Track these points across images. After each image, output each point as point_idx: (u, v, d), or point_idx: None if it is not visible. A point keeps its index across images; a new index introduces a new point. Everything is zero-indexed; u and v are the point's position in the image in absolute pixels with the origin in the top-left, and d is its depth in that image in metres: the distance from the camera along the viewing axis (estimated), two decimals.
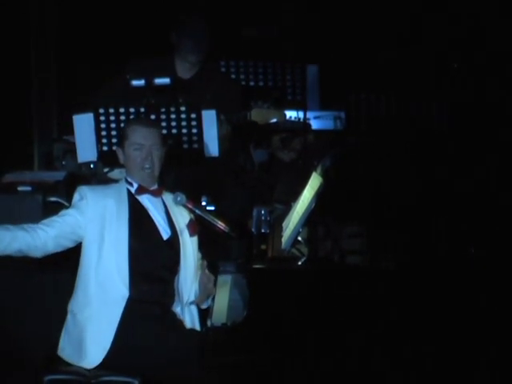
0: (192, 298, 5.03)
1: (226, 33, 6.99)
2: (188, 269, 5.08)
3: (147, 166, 4.99)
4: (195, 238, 5.13)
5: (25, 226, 4.85)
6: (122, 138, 5.11)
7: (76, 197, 4.98)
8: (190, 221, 5.11)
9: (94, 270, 4.88)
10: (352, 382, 5.24)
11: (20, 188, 5.97)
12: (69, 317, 4.94)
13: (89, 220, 4.91)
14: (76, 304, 4.91)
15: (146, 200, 5.04)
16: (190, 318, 5.04)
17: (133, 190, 5.03)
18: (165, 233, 5.06)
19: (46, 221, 4.91)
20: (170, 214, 5.08)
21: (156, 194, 5.07)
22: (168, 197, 5.10)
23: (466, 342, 5.58)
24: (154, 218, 5.03)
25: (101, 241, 4.90)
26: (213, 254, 5.39)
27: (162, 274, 5.00)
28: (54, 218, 4.92)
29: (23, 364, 5.30)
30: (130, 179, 5.05)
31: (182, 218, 5.11)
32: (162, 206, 5.09)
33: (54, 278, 5.67)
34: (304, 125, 7.21)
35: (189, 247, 5.11)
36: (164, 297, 4.99)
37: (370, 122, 7.66)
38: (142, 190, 5.02)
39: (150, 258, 4.98)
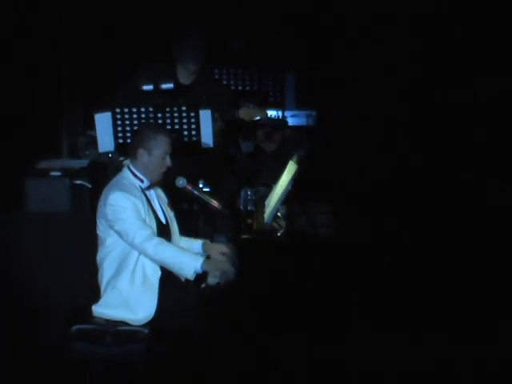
0: None
1: (219, 45, 6.92)
2: (175, 240, 5.06)
3: (165, 170, 4.94)
4: (173, 214, 5.10)
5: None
6: (147, 141, 4.88)
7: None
8: (168, 203, 5.08)
9: (136, 255, 4.81)
10: (322, 333, 5.20)
11: (51, 173, 5.95)
12: (112, 291, 4.81)
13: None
14: (122, 281, 4.79)
15: (150, 193, 4.97)
16: None
17: (143, 185, 4.90)
18: (163, 218, 5.01)
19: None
20: (160, 202, 5.03)
21: (149, 188, 4.97)
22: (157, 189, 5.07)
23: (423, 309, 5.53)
24: (155, 207, 4.96)
25: None
26: (208, 227, 5.38)
27: None
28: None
29: (56, 317, 5.25)
30: (140, 175, 4.90)
31: (164, 201, 5.08)
32: (156, 197, 5.03)
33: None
34: (282, 121, 7.23)
35: (174, 224, 5.08)
36: None
37: (337, 119, 7.67)
38: (151, 186, 4.94)
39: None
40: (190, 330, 4.70)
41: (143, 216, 4.81)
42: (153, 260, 4.78)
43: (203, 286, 4.95)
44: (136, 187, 4.89)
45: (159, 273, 4.83)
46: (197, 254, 4.99)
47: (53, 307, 5.40)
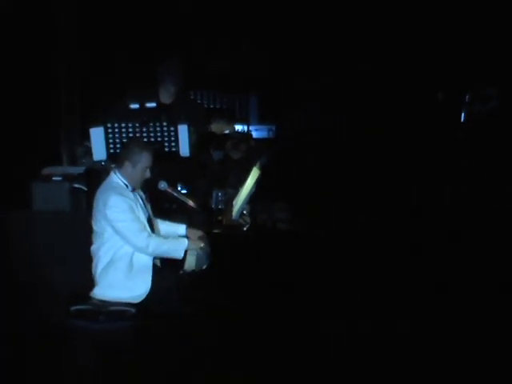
0: None
1: (193, 70, 6.92)
2: (157, 227, 5.16)
3: (145, 178, 5.00)
4: (149, 206, 5.16)
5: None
6: (132, 156, 4.96)
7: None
8: (146, 197, 5.14)
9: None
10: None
11: (54, 178, 5.89)
12: (111, 274, 4.86)
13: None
14: (121, 266, 4.85)
15: (135, 194, 5.02)
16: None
17: (129, 189, 4.96)
18: (147, 212, 5.06)
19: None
20: (144, 201, 5.10)
21: (134, 191, 5.04)
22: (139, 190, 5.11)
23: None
24: (141, 204, 5.02)
25: None
26: (185, 222, 5.39)
27: None
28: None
29: (57, 299, 5.24)
30: (125, 182, 4.97)
31: (143, 197, 5.12)
32: (140, 197, 5.08)
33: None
34: (247, 134, 7.26)
35: (153, 217, 5.16)
36: None
37: (292, 132, 7.72)
38: (134, 190, 5.00)
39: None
40: (171, 309, 4.75)
41: (136, 213, 4.85)
42: (151, 255, 4.84)
43: (181, 272, 4.98)
44: (125, 189, 4.93)
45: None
46: (179, 236, 5.13)
47: (55, 291, 5.38)
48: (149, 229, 4.93)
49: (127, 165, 4.94)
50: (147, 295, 4.80)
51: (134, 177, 4.95)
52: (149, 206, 5.13)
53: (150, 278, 4.83)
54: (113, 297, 4.83)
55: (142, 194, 5.12)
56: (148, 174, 4.97)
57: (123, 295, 4.82)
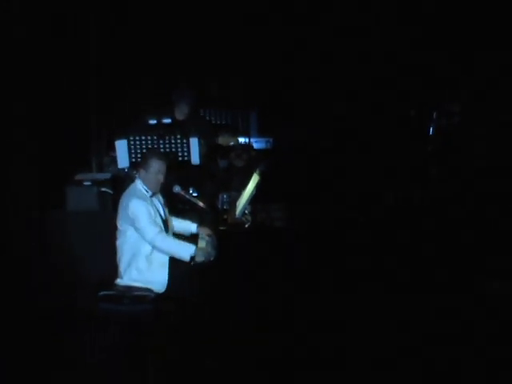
0: None
1: (203, 93, 6.93)
2: (171, 229, 5.07)
3: (159, 183, 4.91)
4: (167, 210, 5.07)
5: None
6: (145, 163, 4.90)
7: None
8: (164, 202, 5.06)
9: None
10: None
11: (84, 183, 5.89)
12: (133, 270, 4.78)
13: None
14: (141, 262, 4.77)
15: (154, 199, 4.96)
16: None
17: (148, 194, 4.89)
18: (163, 215, 5.01)
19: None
20: (162, 205, 5.02)
21: (154, 196, 4.96)
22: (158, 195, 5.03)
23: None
24: (158, 208, 4.94)
25: None
26: (196, 221, 5.38)
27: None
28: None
29: (87, 285, 5.23)
30: (146, 188, 4.88)
31: (162, 201, 5.04)
32: (159, 201, 5.02)
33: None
34: (248, 145, 7.24)
35: (169, 218, 5.08)
36: None
37: (287, 144, 7.71)
38: (153, 195, 4.94)
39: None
40: (185, 295, 4.74)
41: (153, 216, 4.82)
42: (159, 250, 4.80)
43: (192, 263, 4.96)
44: (146, 195, 4.91)
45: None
46: (191, 234, 5.06)
47: (85, 279, 5.37)
48: (164, 229, 4.88)
49: (142, 171, 4.91)
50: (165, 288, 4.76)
51: (149, 181, 4.89)
52: (166, 210, 5.08)
53: (167, 273, 4.79)
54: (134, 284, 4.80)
55: (160, 198, 5.07)
56: (161, 178, 4.91)
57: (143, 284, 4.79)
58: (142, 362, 4.31)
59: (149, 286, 4.75)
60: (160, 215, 4.93)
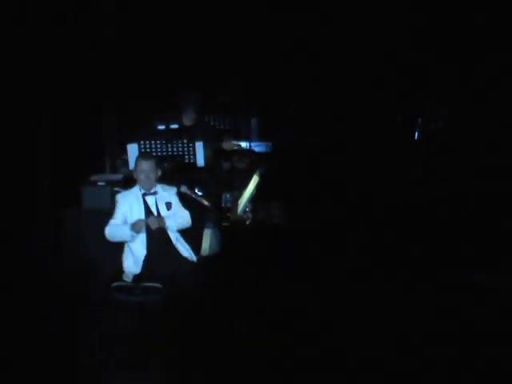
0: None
1: (208, 100, 6.89)
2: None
3: (144, 181, 4.81)
4: (171, 211, 4.89)
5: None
6: (135, 164, 4.87)
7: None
8: (168, 202, 4.89)
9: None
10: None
11: (99, 183, 5.86)
12: (128, 259, 4.78)
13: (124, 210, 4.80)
14: (129, 255, 4.77)
15: (148, 197, 4.85)
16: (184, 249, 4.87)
17: (141, 192, 4.84)
18: (156, 212, 4.85)
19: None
20: (157, 202, 4.86)
21: (152, 194, 4.86)
22: (162, 193, 4.88)
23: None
24: (150, 206, 4.83)
25: (131, 218, 4.76)
26: (202, 218, 5.35)
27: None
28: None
29: (100, 277, 5.19)
30: (139, 186, 4.84)
31: (163, 202, 4.89)
32: (154, 200, 4.86)
33: None
34: (250, 149, 7.21)
35: (169, 214, 4.87)
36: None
37: (285, 148, 7.66)
38: (145, 193, 4.85)
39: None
40: (191, 286, 4.68)
41: (124, 210, 4.75)
42: (108, 238, 4.72)
43: (197, 257, 4.92)
44: (137, 192, 4.83)
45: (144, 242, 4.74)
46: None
47: (99, 270, 5.34)
48: (129, 222, 4.75)
49: (134, 173, 4.89)
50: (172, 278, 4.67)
51: (137, 179, 4.84)
52: (162, 206, 4.97)
53: (141, 263, 4.71)
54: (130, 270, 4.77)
55: (165, 197, 4.92)
56: (144, 176, 4.78)
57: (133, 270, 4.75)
58: (150, 351, 4.24)
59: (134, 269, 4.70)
60: (151, 212, 4.81)
